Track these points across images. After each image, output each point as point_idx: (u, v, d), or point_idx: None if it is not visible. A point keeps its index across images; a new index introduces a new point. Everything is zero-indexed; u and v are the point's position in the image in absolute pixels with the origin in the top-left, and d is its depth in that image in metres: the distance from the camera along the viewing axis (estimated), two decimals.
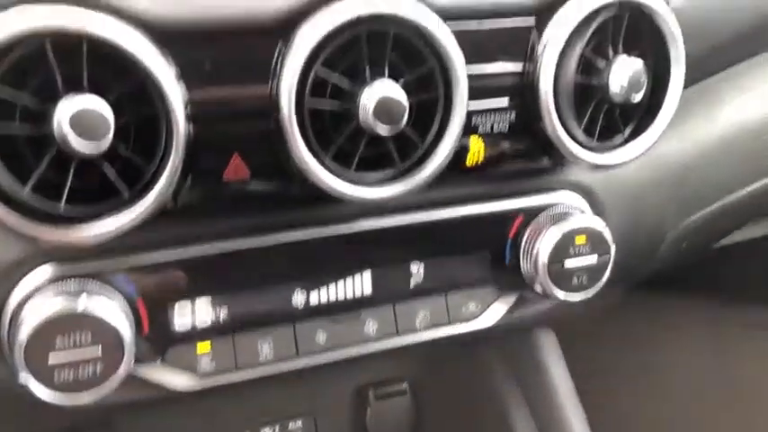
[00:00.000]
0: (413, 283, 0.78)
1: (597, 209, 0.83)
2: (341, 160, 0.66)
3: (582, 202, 0.82)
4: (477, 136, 0.72)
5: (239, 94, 0.63)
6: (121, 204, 0.59)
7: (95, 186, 0.59)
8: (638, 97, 0.71)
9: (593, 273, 0.79)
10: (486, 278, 0.81)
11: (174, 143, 0.59)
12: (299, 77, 0.61)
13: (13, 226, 0.57)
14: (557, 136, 0.71)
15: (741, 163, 0.95)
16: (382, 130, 0.63)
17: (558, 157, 0.75)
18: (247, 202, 0.68)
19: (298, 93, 0.61)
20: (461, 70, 0.65)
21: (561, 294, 0.78)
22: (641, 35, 0.72)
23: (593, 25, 0.69)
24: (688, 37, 0.74)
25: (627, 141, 0.75)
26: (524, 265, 0.80)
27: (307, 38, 0.60)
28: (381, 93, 0.62)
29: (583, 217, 0.78)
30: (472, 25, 0.68)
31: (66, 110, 0.54)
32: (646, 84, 0.71)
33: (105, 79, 0.57)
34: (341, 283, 0.74)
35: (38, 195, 0.57)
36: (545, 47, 0.69)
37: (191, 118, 0.60)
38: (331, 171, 0.65)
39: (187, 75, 0.61)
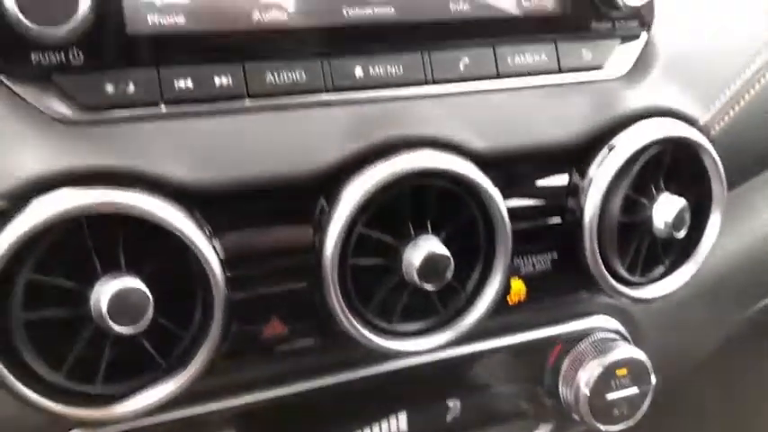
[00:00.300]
0: (450, 418, 0.75)
1: (635, 331, 0.81)
2: (381, 310, 0.64)
3: (620, 326, 0.80)
4: (518, 278, 0.70)
5: (278, 253, 0.61)
6: (160, 376, 0.56)
7: (129, 357, 0.56)
8: (681, 234, 0.69)
9: (634, 403, 0.77)
10: (523, 408, 0.78)
11: (214, 313, 0.56)
12: (343, 237, 0.59)
13: (43, 407, 0.54)
14: (601, 274, 0.69)
15: None
16: (428, 286, 0.61)
17: (598, 290, 0.74)
18: (283, 354, 0.65)
19: (341, 250, 0.59)
20: (505, 220, 0.63)
21: (602, 427, 0.76)
22: (683, 170, 0.71)
23: (637, 165, 0.68)
24: (724, 161, 0.73)
25: (667, 273, 0.74)
26: (564, 395, 0.77)
27: (351, 199, 0.58)
28: (427, 250, 0.60)
29: (624, 348, 0.76)
30: (512, 168, 0.67)
31: (104, 293, 0.52)
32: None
33: (141, 252, 0.54)
34: (376, 425, 0.71)
35: (72, 378, 0.54)
36: (589, 187, 0.68)
37: (229, 282, 0.58)
38: (373, 327, 0.62)
39: (224, 238, 0.58)
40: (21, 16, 0.52)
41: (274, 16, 0.60)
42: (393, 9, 0.63)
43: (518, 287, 0.70)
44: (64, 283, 0.53)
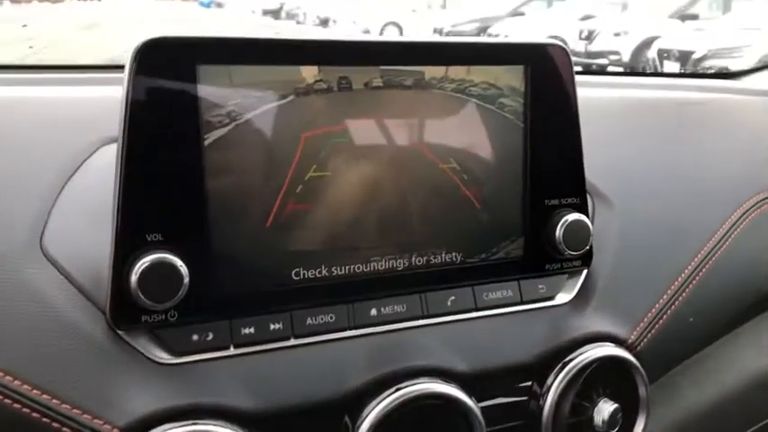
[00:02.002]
0: None
1: None
2: None
3: None
4: None
5: None
6: None
7: None
8: (615, 430, 0.91)
9: None
10: None
11: None
12: None
13: None
14: None
15: None
16: None
17: None
18: None
19: None
20: (482, 427, 0.84)
21: None
22: (616, 379, 0.93)
23: (582, 378, 0.90)
24: (649, 367, 0.95)
25: None
26: None
27: (371, 418, 0.79)
28: None
29: None
30: (487, 381, 0.88)
31: None
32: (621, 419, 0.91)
33: None
34: None
35: None
36: (546, 394, 0.89)
37: None
38: None
39: None
40: (140, 294, 0.73)
41: (312, 275, 0.82)
42: (401, 263, 0.86)
43: None
44: None
